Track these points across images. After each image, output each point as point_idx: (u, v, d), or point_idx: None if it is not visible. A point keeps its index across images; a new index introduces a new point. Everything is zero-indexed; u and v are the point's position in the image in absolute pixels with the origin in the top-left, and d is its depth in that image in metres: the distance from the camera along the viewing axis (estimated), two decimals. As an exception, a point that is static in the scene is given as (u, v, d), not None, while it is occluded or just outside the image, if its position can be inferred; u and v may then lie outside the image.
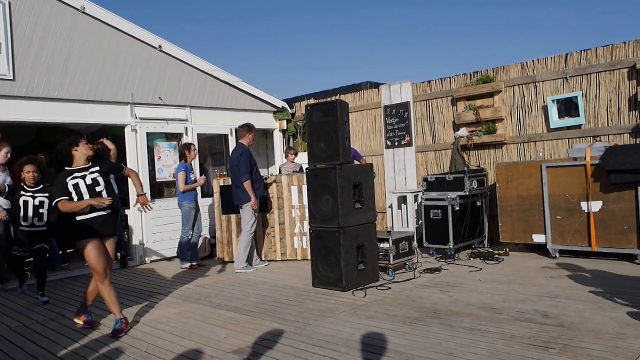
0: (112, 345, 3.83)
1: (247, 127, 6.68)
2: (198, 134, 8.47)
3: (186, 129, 8.31)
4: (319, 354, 3.39)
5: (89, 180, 4.20)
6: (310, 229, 5.42)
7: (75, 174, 4.20)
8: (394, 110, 8.47)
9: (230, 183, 7.34)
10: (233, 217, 7.23)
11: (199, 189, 7.44)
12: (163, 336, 4.00)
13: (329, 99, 6.99)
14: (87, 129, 8.11)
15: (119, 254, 7.62)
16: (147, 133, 7.86)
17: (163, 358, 3.49)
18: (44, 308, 5.21)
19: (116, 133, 7.88)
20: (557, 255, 6.11)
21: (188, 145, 7.22)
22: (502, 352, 3.21)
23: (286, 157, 8.39)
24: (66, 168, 4.24)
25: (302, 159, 8.24)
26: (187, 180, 7.01)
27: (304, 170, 8.05)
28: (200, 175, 7.91)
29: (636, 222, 5.49)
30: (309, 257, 5.58)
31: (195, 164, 8.19)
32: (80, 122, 7.32)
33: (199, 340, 3.84)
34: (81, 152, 4.27)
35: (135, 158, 7.71)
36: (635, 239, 5.51)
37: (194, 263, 7.16)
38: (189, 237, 7.12)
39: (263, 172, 8.90)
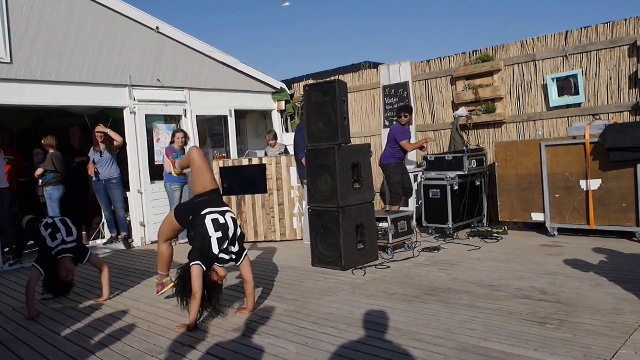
0: (115, 325, 3.88)
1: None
2: (197, 116, 8.46)
3: (185, 110, 8.29)
4: (319, 331, 3.44)
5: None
6: (309, 209, 5.45)
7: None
8: (392, 90, 8.43)
9: (230, 165, 7.38)
10: (233, 198, 7.26)
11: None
12: (164, 315, 4.06)
13: (327, 79, 6.97)
14: (88, 112, 8.11)
15: (120, 236, 7.70)
16: (146, 115, 7.85)
17: (165, 336, 3.53)
18: (47, 289, 5.26)
19: (117, 116, 7.88)
20: (556, 233, 6.14)
21: (174, 132, 7.53)
22: (499, 328, 3.25)
23: (267, 139, 8.51)
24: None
25: (288, 139, 8.34)
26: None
27: (288, 152, 8.13)
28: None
29: (635, 200, 5.50)
30: (309, 237, 5.61)
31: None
32: (79, 104, 7.31)
33: (200, 319, 3.89)
34: None
35: (134, 140, 7.71)
36: (633, 217, 5.53)
37: (179, 241, 7.35)
38: None
39: (262, 153, 8.91)
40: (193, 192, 4.11)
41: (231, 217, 3.86)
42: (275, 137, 8.57)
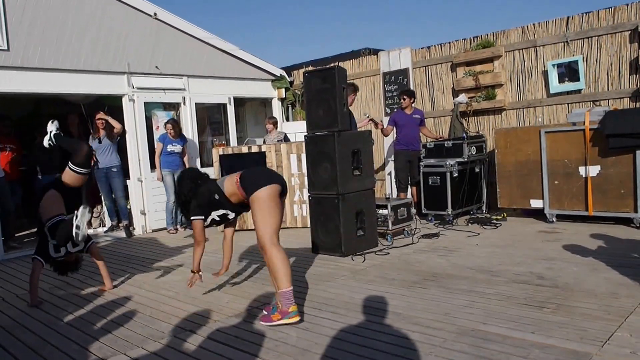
0: (117, 311, 3.92)
1: (352, 87, 6.79)
2: (196, 104, 8.45)
3: (184, 98, 8.28)
4: (319, 316, 3.47)
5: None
6: (309, 196, 5.46)
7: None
8: (392, 77, 8.41)
9: (229, 152, 7.39)
10: (233, 186, 7.27)
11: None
12: (167, 302, 4.09)
13: (327, 66, 6.96)
14: (85, 100, 8.09)
15: (121, 224, 7.74)
16: (145, 103, 7.83)
17: (168, 322, 3.56)
18: (50, 276, 5.29)
19: (113, 104, 7.86)
20: (554, 219, 6.17)
21: (165, 124, 7.68)
22: (497, 312, 3.29)
23: (267, 125, 8.52)
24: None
25: (301, 127, 8.29)
26: (163, 151, 7.54)
27: (288, 139, 8.15)
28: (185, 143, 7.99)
29: (633, 186, 5.52)
30: (309, 225, 5.64)
31: (192, 134, 8.25)
32: (77, 92, 7.29)
33: (202, 305, 3.92)
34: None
35: (134, 128, 7.71)
36: (632, 203, 5.56)
37: (175, 227, 7.68)
38: (172, 204, 7.55)
39: (259, 141, 8.92)
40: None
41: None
42: (275, 124, 8.55)
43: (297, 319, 3.29)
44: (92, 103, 8.10)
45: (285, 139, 8.17)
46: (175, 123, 7.68)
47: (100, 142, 7.41)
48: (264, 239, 3.42)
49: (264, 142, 8.46)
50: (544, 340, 2.80)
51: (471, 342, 2.84)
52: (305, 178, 6.51)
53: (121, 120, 7.60)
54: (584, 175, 5.86)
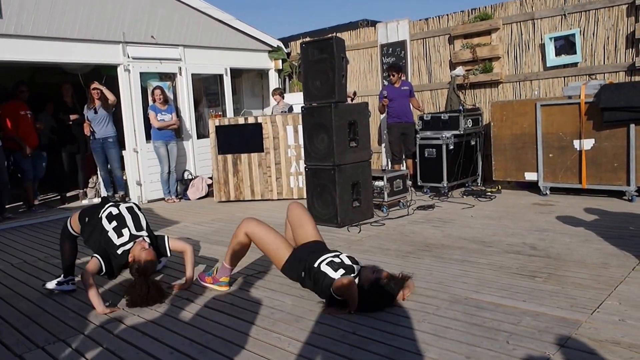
0: (113, 280, 3.90)
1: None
2: (192, 74, 8.38)
3: (180, 68, 8.20)
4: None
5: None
6: (305, 167, 5.49)
7: None
8: (390, 49, 8.35)
9: (226, 123, 7.36)
10: (229, 157, 7.28)
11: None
12: (163, 270, 4.13)
13: (324, 36, 6.90)
14: (81, 70, 8.01)
15: (117, 195, 7.76)
16: (141, 73, 7.76)
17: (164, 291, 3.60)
18: (45, 246, 5.34)
19: (111, 74, 7.79)
20: (548, 192, 6.23)
21: (153, 90, 7.63)
22: (490, 281, 3.37)
23: (274, 97, 8.51)
24: None
25: (297, 99, 8.25)
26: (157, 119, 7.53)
27: (292, 110, 8.14)
28: (178, 117, 7.99)
29: (626, 160, 5.57)
30: (305, 196, 5.68)
31: (188, 105, 8.21)
32: (71, 61, 7.22)
33: (196, 273, 3.96)
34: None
35: (129, 98, 7.66)
36: (624, 176, 5.62)
37: (172, 198, 7.76)
38: (167, 175, 7.68)
39: (258, 113, 8.89)
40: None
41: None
42: (281, 94, 8.55)
43: (226, 288, 3.54)
44: (89, 73, 8.02)
45: (290, 110, 8.15)
46: (162, 90, 7.62)
47: (95, 112, 7.38)
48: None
49: (272, 113, 8.43)
50: (535, 308, 2.87)
51: (464, 310, 2.91)
52: (302, 149, 6.52)
53: (117, 90, 7.55)
54: (578, 149, 5.90)
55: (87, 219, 3.61)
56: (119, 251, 3.42)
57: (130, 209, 3.67)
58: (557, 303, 2.92)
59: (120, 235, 3.47)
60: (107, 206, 3.65)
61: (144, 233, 3.56)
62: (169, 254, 3.65)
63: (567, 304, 2.90)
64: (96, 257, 3.38)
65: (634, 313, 2.73)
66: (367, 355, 2.45)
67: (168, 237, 3.69)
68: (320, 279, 3.08)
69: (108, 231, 3.48)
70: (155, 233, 3.77)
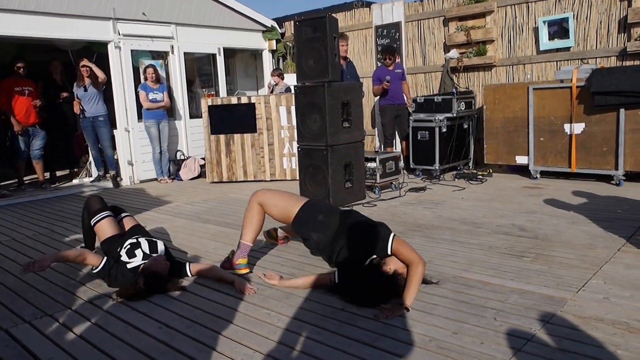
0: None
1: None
2: (185, 53, 8.30)
3: (172, 47, 8.12)
4: (305, 262, 3.57)
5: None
6: (298, 147, 5.49)
7: None
8: (385, 30, 8.31)
9: (219, 103, 7.33)
10: (222, 137, 7.26)
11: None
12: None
13: (318, 15, 6.86)
14: (72, 46, 7.90)
15: (109, 174, 7.73)
16: (132, 51, 7.68)
17: (155, 266, 3.61)
18: (33, 224, 5.32)
19: (102, 51, 7.70)
20: (538, 176, 6.29)
21: (145, 68, 7.57)
22: (479, 261, 3.41)
23: (273, 78, 8.44)
24: None
25: (291, 80, 8.21)
26: (147, 99, 7.50)
27: (290, 90, 8.09)
28: (170, 96, 7.97)
29: (615, 144, 5.63)
30: (298, 177, 5.69)
31: (180, 84, 8.16)
32: (61, 37, 7.09)
33: (188, 251, 4.00)
34: None
35: (120, 77, 7.58)
36: (613, 161, 5.68)
37: (164, 178, 7.76)
38: (159, 155, 7.68)
39: (252, 93, 8.83)
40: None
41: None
42: (280, 75, 8.46)
43: (246, 271, 3.38)
44: (80, 50, 7.91)
45: (288, 90, 8.07)
46: (154, 69, 7.56)
47: (85, 90, 7.31)
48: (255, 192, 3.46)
49: (272, 92, 8.35)
50: (522, 286, 2.92)
51: (452, 288, 2.96)
52: (295, 131, 6.52)
53: (107, 68, 7.47)
54: (568, 133, 5.94)
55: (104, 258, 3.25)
56: (129, 266, 3.20)
57: (150, 241, 3.39)
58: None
59: (132, 256, 3.25)
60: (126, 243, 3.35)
61: (161, 254, 3.34)
62: (189, 274, 3.34)
63: (554, 282, 2.96)
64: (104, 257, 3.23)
65: (618, 291, 2.78)
66: (356, 330, 2.48)
67: (190, 263, 3.41)
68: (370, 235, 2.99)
69: (121, 256, 3.26)
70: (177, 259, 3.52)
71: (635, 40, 6.14)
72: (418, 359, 2.19)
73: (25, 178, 7.42)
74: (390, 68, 7.20)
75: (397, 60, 7.42)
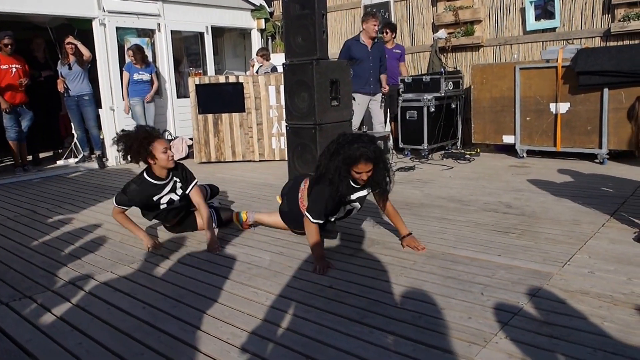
0: (85, 238, 3.89)
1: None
2: (172, 31, 8.17)
3: (159, 25, 7.98)
4: (294, 241, 3.58)
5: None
6: (287, 126, 5.46)
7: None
8: (374, 10, 8.24)
9: (206, 82, 7.24)
10: (210, 117, 7.20)
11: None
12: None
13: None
14: (51, 23, 7.71)
15: (94, 154, 7.64)
16: (117, 28, 7.54)
17: (139, 247, 3.57)
18: (16, 205, 5.24)
19: (83, 28, 7.54)
20: (525, 155, 6.35)
21: (129, 47, 7.44)
22: (467, 237, 3.45)
23: (257, 58, 8.37)
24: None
25: (280, 59, 8.15)
26: (131, 80, 7.39)
27: (276, 70, 8.04)
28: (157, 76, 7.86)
29: (599, 123, 5.69)
30: (287, 157, 5.67)
31: (168, 63, 8.04)
32: (41, 12, 6.87)
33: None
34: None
35: (105, 55, 7.45)
36: (597, 140, 5.75)
37: None
38: None
39: (240, 73, 8.74)
40: None
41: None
42: (264, 56, 8.36)
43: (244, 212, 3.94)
44: (60, 27, 7.74)
45: (273, 70, 8.02)
46: (137, 49, 7.39)
47: (70, 68, 7.17)
48: None
49: (257, 72, 8.28)
50: (509, 262, 2.97)
51: (440, 265, 2.99)
52: (284, 110, 6.48)
53: (91, 46, 7.33)
54: (554, 112, 5.99)
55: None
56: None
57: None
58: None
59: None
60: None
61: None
62: (187, 191, 3.78)
63: (540, 257, 3.01)
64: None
65: (603, 266, 2.84)
66: (343, 307, 2.49)
67: (197, 183, 3.88)
68: None
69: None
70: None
71: (619, 21, 6.18)
72: (408, 335, 2.21)
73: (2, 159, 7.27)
74: (388, 46, 7.13)
75: (395, 38, 7.28)
